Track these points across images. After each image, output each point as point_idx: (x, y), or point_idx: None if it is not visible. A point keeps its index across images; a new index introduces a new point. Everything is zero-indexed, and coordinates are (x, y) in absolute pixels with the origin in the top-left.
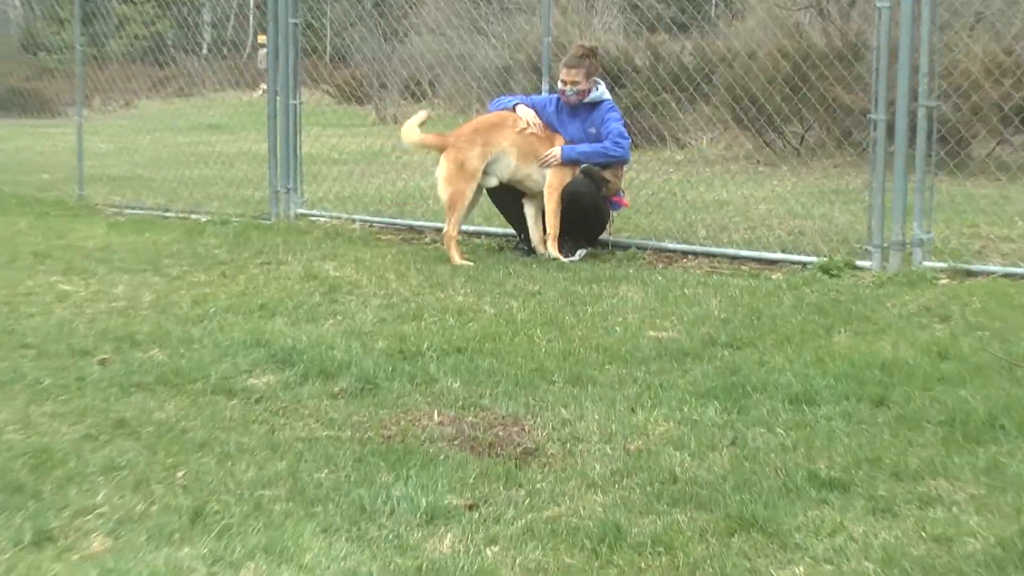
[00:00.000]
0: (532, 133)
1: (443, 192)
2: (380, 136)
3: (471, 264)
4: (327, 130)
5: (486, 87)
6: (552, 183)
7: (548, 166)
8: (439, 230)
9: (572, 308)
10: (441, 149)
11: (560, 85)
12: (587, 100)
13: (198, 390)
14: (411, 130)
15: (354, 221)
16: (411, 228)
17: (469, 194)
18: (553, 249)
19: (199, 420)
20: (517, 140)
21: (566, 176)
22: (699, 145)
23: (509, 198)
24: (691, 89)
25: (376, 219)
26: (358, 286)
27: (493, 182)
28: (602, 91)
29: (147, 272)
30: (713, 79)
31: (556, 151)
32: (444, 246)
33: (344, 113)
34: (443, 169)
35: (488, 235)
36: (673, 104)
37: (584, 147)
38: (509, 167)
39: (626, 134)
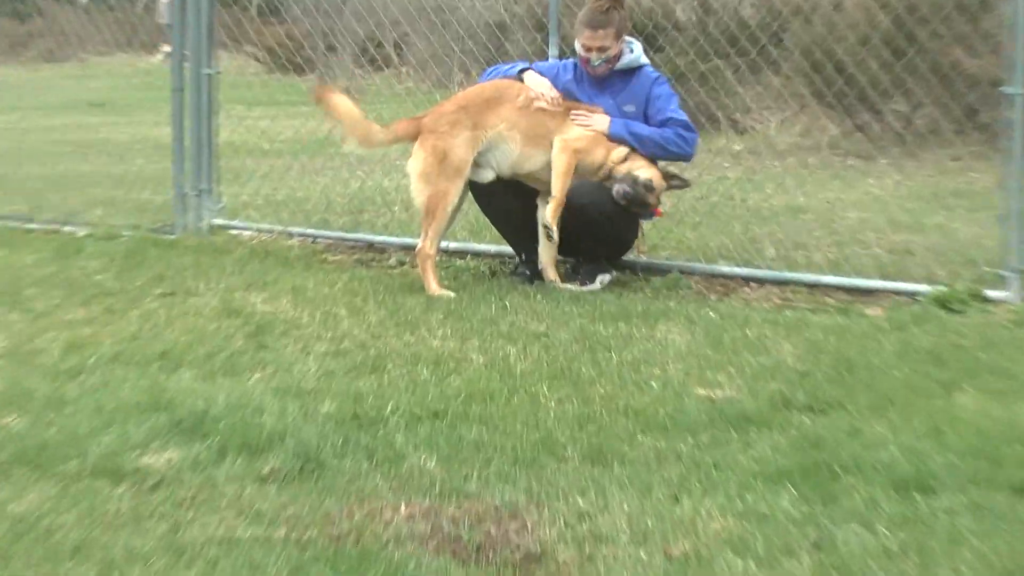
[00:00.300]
0: (543, 109)
1: (418, 193)
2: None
3: (452, 295)
4: (254, 110)
5: (472, 51)
6: (570, 136)
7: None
8: (410, 247)
9: (591, 356)
10: (414, 136)
11: (581, 52)
12: (619, 67)
13: (71, 473)
14: (366, 129)
15: (291, 235)
16: (370, 245)
17: (454, 195)
18: (550, 215)
19: (73, 515)
20: (522, 119)
21: (595, 142)
22: (765, 130)
23: (506, 202)
24: (754, 53)
25: (322, 233)
26: (296, 325)
27: (487, 176)
28: (638, 53)
29: (0, 307)
30: (784, 39)
31: (598, 120)
32: (418, 269)
33: (278, 86)
34: (417, 162)
35: (476, 255)
36: (729, 74)
37: (640, 127)
38: (510, 157)
39: (692, 125)
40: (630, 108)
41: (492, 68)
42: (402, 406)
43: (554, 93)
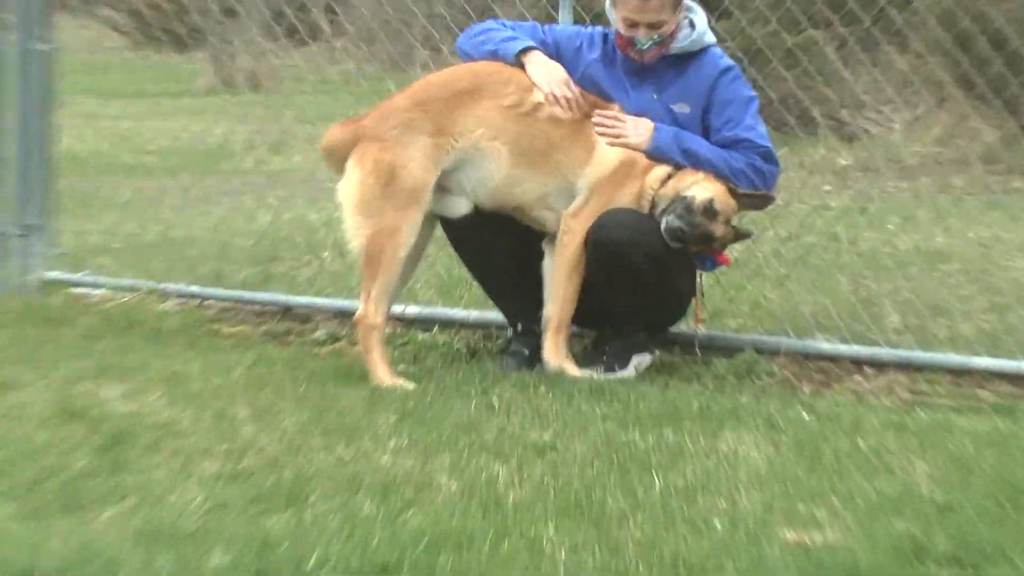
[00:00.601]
0: (547, 112)
1: (354, 232)
2: (224, 116)
3: (411, 386)
4: (112, 104)
5: (443, 17)
6: (587, 208)
7: (615, 143)
8: (347, 314)
9: (621, 480)
10: (349, 146)
11: (621, 28)
12: (673, 50)
13: None
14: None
15: (166, 296)
16: (286, 311)
17: (407, 234)
18: (555, 352)
19: None
20: (511, 123)
21: (625, 190)
22: (885, 135)
23: (491, 243)
24: (868, 21)
25: (214, 292)
26: (173, 433)
27: (459, 207)
28: (702, 28)
29: None
30: (914, 1)
31: (633, 127)
32: (359, 346)
33: (148, 69)
34: (352, 184)
35: (448, 324)
36: (831, 51)
37: (698, 143)
38: (492, 180)
39: (774, 154)
40: (682, 108)
41: (475, 34)
42: (332, 557)
43: (572, 91)
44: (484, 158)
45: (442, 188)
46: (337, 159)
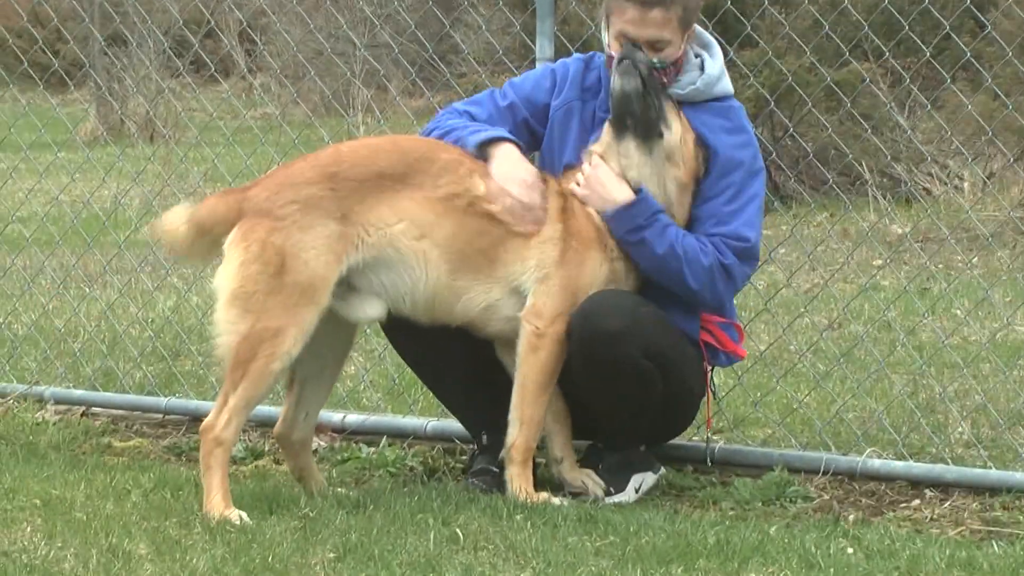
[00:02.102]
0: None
1: (224, 327)
2: (114, 174)
3: (244, 521)
4: None
5: (390, 47)
6: (548, 301)
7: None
8: (271, 424)
9: None
10: (231, 221)
11: (614, 50)
12: (678, 90)
13: None
14: (175, 216)
15: (42, 400)
16: (195, 419)
17: (291, 341)
18: (523, 486)
19: None
20: (443, 218)
21: (589, 276)
22: (951, 195)
23: (445, 338)
24: (928, 50)
25: (103, 396)
26: (52, 575)
27: (373, 311)
28: (712, 73)
29: None
30: (988, 23)
31: (601, 180)
32: (202, 461)
33: (15, 113)
34: (231, 268)
35: (398, 436)
36: (882, 89)
37: (677, 232)
38: (420, 288)
39: (755, 255)
40: (675, 171)
41: (431, 131)
42: None
43: (534, 199)
44: (404, 262)
45: (349, 286)
46: (209, 241)
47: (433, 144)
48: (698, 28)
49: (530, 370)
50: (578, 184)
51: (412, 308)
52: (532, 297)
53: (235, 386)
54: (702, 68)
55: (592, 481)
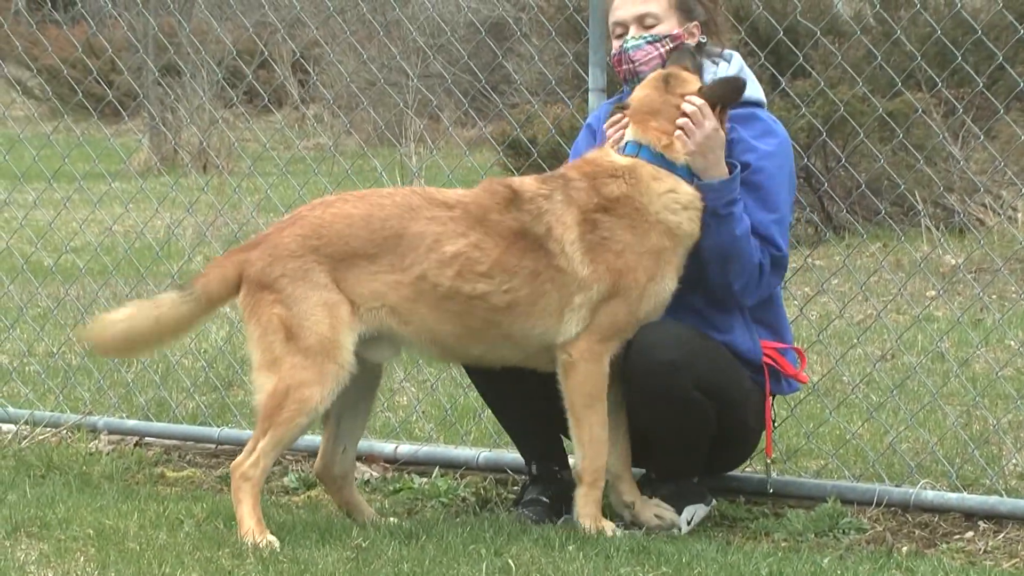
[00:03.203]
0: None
1: (257, 387)
2: (167, 204)
3: (276, 545)
4: (21, 188)
5: (444, 76)
6: (580, 339)
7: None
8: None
9: None
10: (234, 288)
11: (614, 45)
12: None
13: None
14: (152, 310)
15: (96, 431)
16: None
17: (317, 395)
18: (590, 511)
19: None
20: (417, 302)
21: (637, 303)
22: (1005, 226)
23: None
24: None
25: (156, 427)
26: None
27: (386, 354)
28: (733, 73)
29: None
30: None
31: (694, 133)
32: (233, 496)
33: (69, 144)
34: (253, 342)
35: (451, 467)
36: (935, 120)
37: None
38: (432, 354)
39: (786, 262)
40: None
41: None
42: None
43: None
44: (405, 339)
45: (372, 343)
46: (220, 302)
47: (405, 212)
48: (726, 52)
49: (571, 393)
50: (683, 140)
51: (438, 357)
52: (573, 324)
53: (264, 433)
54: (715, 66)
55: (666, 511)
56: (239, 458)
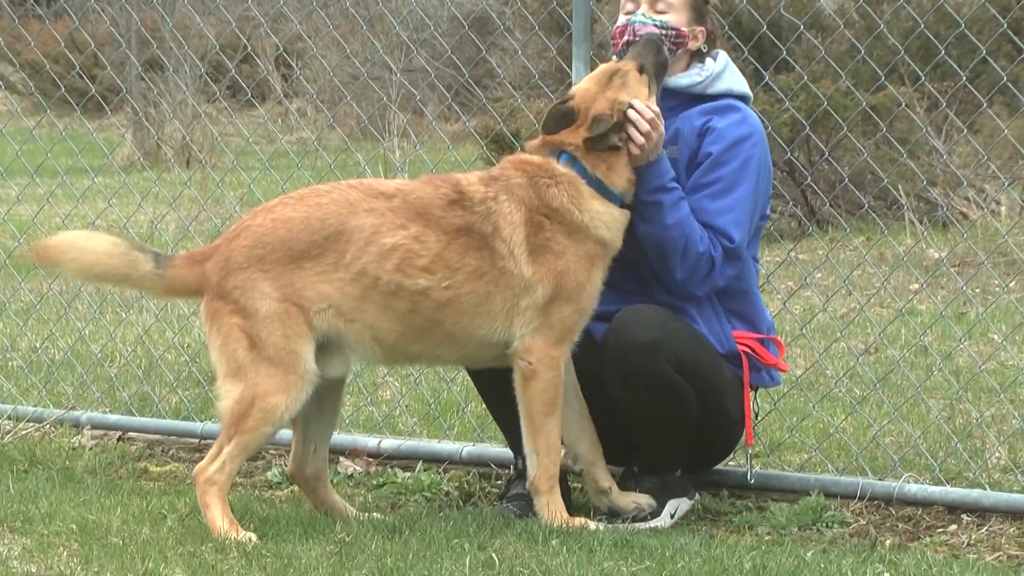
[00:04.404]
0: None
1: (222, 394)
2: (150, 199)
3: (252, 538)
4: (5, 183)
5: (427, 71)
6: (535, 341)
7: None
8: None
9: None
10: (197, 289)
11: (620, 20)
12: (670, 85)
13: None
14: (127, 259)
15: (79, 426)
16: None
17: (282, 405)
18: (554, 515)
19: None
20: (362, 299)
21: (585, 301)
22: (988, 219)
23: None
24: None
25: (139, 421)
26: None
27: (336, 371)
28: (714, 70)
29: None
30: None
31: (650, 120)
32: (199, 500)
33: (52, 139)
34: (216, 351)
35: (433, 461)
36: (918, 114)
37: (679, 196)
38: (378, 356)
39: (740, 255)
40: (672, 154)
41: None
42: None
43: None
44: (351, 341)
45: (328, 352)
46: (179, 296)
47: (344, 208)
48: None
49: (530, 400)
50: (638, 126)
51: (386, 363)
52: (518, 341)
53: (229, 439)
54: (702, 66)
55: (644, 500)
56: (202, 463)
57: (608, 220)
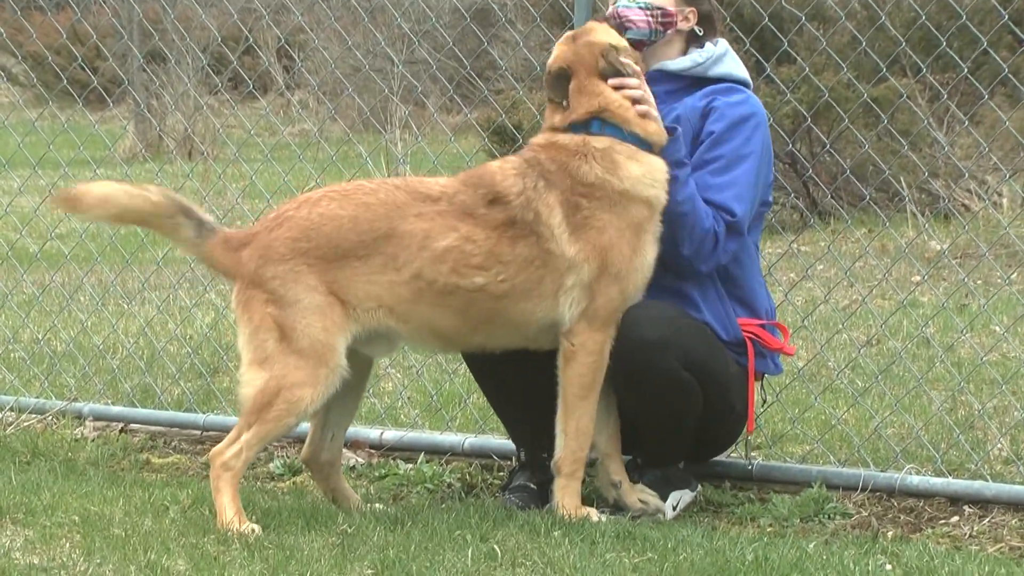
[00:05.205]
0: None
1: (246, 381)
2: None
3: (258, 532)
4: (7, 175)
5: (427, 69)
6: (581, 323)
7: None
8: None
9: None
10: (231, 271)
11: (609, 11)
12: (670, 68)
13: None
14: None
15: (81, 417)
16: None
17: (308, 396)
18: (571, 501)
19: None
20: (415, 302)
21: (634, 277)
22: (990, 211)
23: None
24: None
25: (141, 413)
26: None
27: (384, 350)
28: (714, 53)
29: None
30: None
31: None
32: (212, 484)
33: (54, 131)
34: (245, 338)
35: (435, 453)
36: (920, 106)
37: (687, 173)
38: (433, 347)
39: (742, 230)
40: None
41: None
42: None
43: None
44: (405, 336)
45: (367, 342)
46: (210, 267)
47: (393, 211)
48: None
49: (567, 382)
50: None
51: (445, 352)
52: (567, 322)
53: (249, 427)
54: (703, 46)
55: (651, 498)
56: (220, 446)
57: (649, 178)
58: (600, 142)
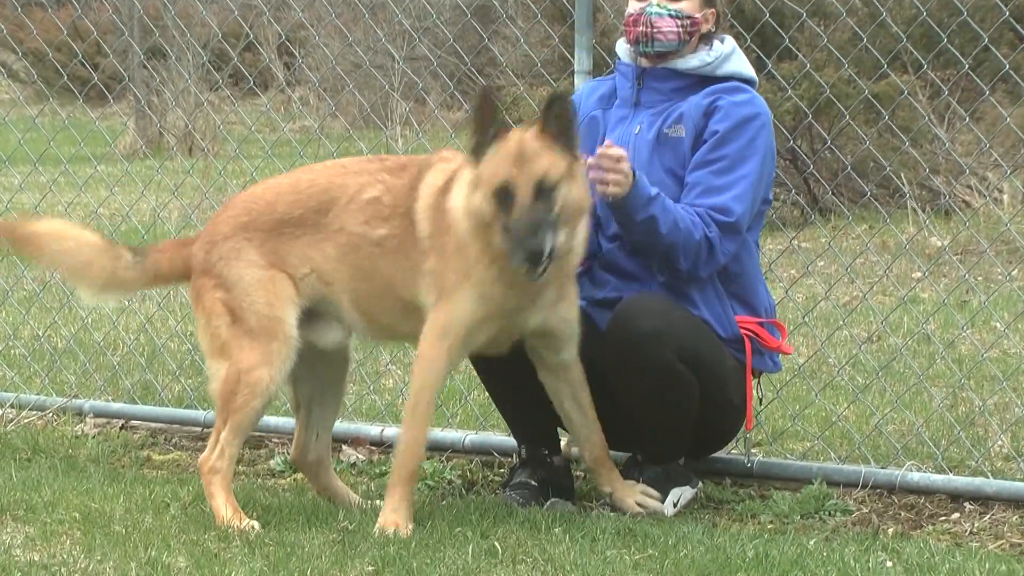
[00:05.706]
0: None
1: (211, 376)
2: (153, 187)
3: (256, 527)
4: (7, 171)
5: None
6: (446, 313)
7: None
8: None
9: None
10: (184, 273)
11: (632, 8)
12: (680, 67)
13: None
14: (108, 256)
15: (81, 414)
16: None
17: (267, 377)
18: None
19: None
20: (340, 261)
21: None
22: (990, 207)
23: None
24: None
25: (143, 410)
26: None
27: (333, 338)
28: (722, 51)
29: None
30: None
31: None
32: (205, 491)
33: (54, 127)
34: (201, 330)
35: (437, 449)
36: (921, 103)
37: (668, 206)
38: (358, 325)
39: (740, 229)
40: (678, 132)
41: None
42: None
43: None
44: (334, 304)
45: (313, 313)
46: (163, 281)
47: (335, 171)
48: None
49: (415, 376)
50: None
51: (370, 336)
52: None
53: (224, 423)
54: (710, 50)
55: (648, 498)
56: (204, 454)
57: None
58: None
